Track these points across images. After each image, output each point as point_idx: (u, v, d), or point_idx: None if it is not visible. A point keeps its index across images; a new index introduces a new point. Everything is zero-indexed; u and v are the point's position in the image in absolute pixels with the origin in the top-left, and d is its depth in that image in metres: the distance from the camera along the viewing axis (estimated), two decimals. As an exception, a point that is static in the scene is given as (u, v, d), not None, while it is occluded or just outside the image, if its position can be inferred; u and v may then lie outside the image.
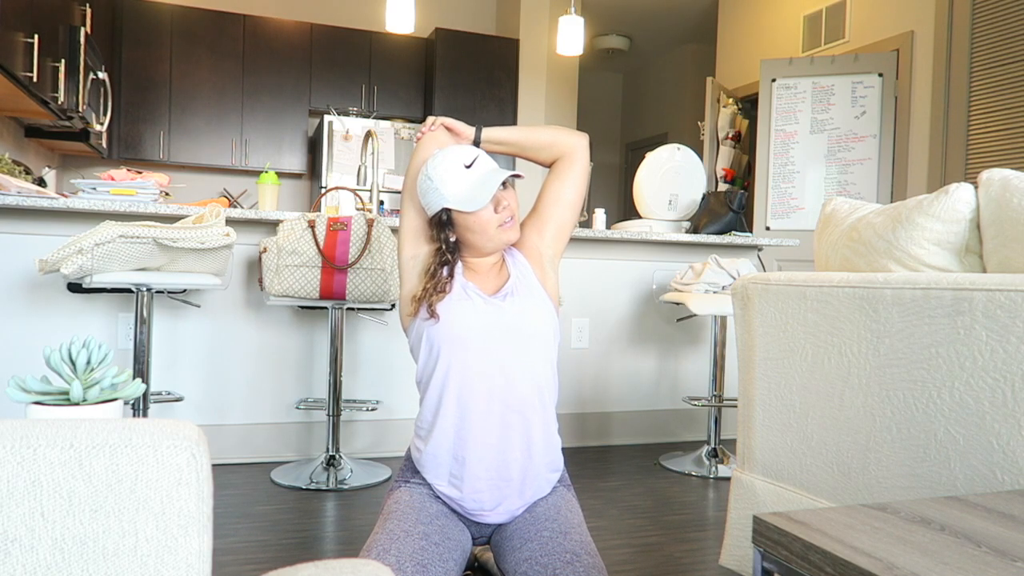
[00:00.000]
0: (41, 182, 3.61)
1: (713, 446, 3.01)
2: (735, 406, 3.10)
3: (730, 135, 5.42)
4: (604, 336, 3.37)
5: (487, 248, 1.45)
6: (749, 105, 5.54)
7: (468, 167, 1.40)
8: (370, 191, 3.91)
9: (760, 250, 3.57)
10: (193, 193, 5.74)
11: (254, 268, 2.86)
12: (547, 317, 1.44)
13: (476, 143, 1.57)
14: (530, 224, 1.55)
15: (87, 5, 4.33)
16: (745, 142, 5.52)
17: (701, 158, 3.91)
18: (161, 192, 2.68)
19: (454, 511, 1.43)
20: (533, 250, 1.52)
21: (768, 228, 4.80)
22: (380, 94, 5.94)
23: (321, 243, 2.49)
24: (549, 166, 1.60)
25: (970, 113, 4.08)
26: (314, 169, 5.83)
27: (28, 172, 3.58)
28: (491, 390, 1.37)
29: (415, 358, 1.46)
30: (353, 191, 3.05)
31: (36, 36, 3.25)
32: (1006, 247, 1.34)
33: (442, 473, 1.41)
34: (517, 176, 1.40)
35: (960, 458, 1.23)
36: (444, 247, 1.46)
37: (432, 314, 1.39)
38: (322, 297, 2.49)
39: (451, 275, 1.44)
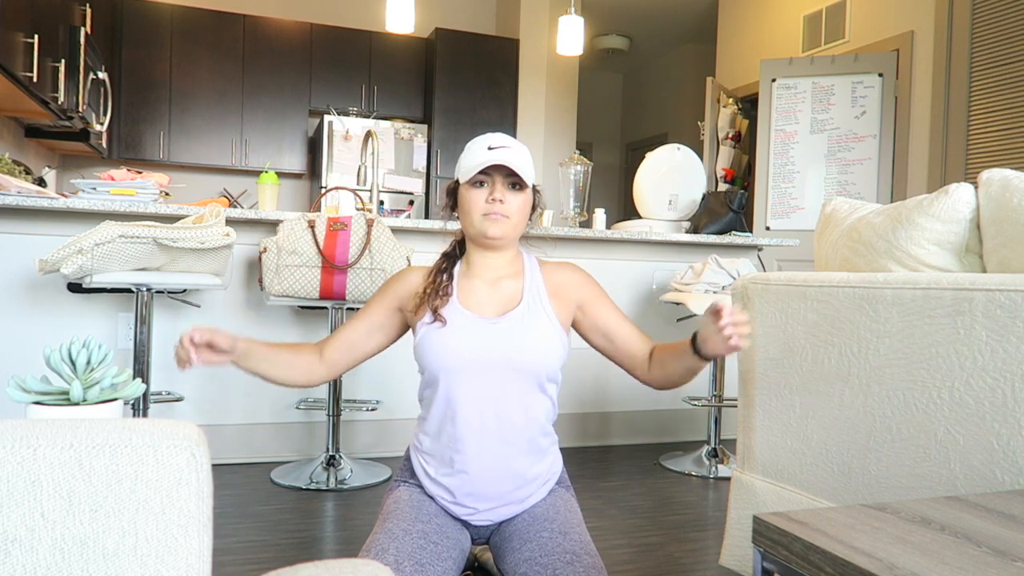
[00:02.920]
0: (41, 182, 3.61)
1: (713, 446, 3.01)
2: (735, 406, 3.11)
3: (730, 135, 5.42)
4: (604, 336, 3.37)
5: (470, 233, 1.40)
6: (749, 105, 5.54)
7: (490, 148, 1.36)
8: (370, 191, 3.91)
9: (760, 250, 3.57)
10: (193, 193, 5.74)
11: (254, 268, 2.86)
12: (552, 345, 1.38)
13: None
14: (592, 312, 1.45)
15: (87, 5, 4.33)
16: (745, 142, 5.52)
17: (701, 158, 3.91)
18: (161, 192, 2.68)
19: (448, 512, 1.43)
20: (566, 301, 1.43)
21: (768, 228, 4.80)
22: (380, 94, 5.94)
23: (321, 243, 2.49)
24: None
25: (970, 113, 4.08)
26: (314, 169, 5.83)
27: (28, 172, 3.59)
28: (483, 417, 1.34)
29: (418, 365, 1.45)
30: (353, 191, 3.05)
31: (36, 36, 3.25)
32: (1006, 247, 1.34)
33: (437, 480, 1.41)
34: (518, 179, 1.37)
35: (960, 458, 1.22)
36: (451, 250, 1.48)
37: (438, 318, 1.38)
38: (322, 297, 2.49)
39: (451, 279, 1.43)
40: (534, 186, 1.44)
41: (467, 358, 1.35)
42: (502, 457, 1.36)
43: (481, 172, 1.36)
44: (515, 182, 1.38)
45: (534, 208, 1.45)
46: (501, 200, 1.36)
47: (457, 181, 1.42)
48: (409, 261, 2.56)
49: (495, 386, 1.35)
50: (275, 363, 1.39)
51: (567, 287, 1.44)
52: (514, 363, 1.35)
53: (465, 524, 1.43)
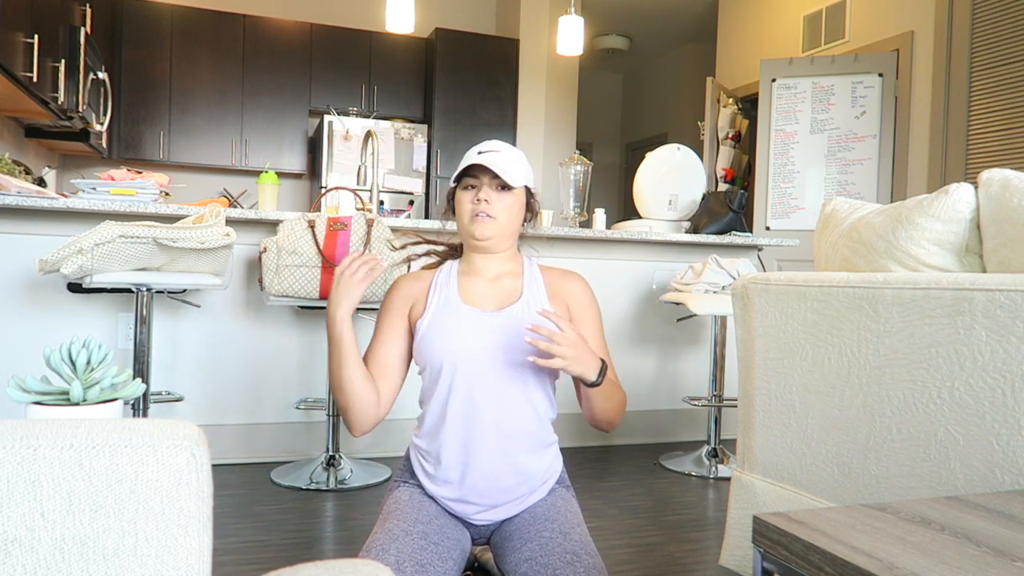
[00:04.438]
0: (41, 182, 3.61)
1: (713, 446, 3.01)
2: (735, 406, 3.10)
3: (730, 135, 5.42)
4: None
5: (463, 235, 1.44)
6: (749, 105, 5.54)
7: (480, 153, 1.41)
8: (370, 191, 3.91)
9: (760, 250, 3.57)
10: (193, 193, 5.74)
11: (254, 268, 2.86)
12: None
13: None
14: (578, 328, 1.45)
15: (87, 5, 4.33)
16: (745, 142, 5.52)
17: (701, 158, 3.92)
18: (161, 192, 2.68)
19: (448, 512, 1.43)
20: (563, 306, 1.45)
21: (768, 228, 4.80)
22: (380, 94, 5.94)
23: (321, 243, 2.49)
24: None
25: (970, 113, 4.08)
26: (314, 169, 5.83)
27: (28, 172, 3.59)
28: (484, 411, 1.35)
29: (418, 368, 1.45)
30: (353, 191, 3.05)
31: (36, 36, 3.25)
32: (1006, 247, 1.34)
33: (437, 478, 1.41)
34: (502, 182, 1.39)
35: (960, 458, 1.23)
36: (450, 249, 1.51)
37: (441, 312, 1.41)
38: (322, 297, 2.49)
39: (447, 277, 1.45)
40: (527, 188, 1.45)
41: (469, 350, 1.36)
42: (503, 453, 1.36)
43: (470, 176, 1.41)
44: (502, 184, 1.40)
45: (529, 209, 1.47)
46: (486, 200, 1.39)
47: (453, 189, 1.46)
48: (409, 261, 2.56)
49: (497, 379, 1.36)
50: (361, 371, 1.36)
51: (567, 293, 1.47)
52: (516, 356, 1.36)
53: (466, 524, 1.43)
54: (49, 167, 4.44)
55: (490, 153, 1.40)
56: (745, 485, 1.69)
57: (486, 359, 1.36)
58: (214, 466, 2.79)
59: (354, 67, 5.88)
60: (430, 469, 1.41)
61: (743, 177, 5.58)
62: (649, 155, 3.66)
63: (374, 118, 5.81)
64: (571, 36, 4.04)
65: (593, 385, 1.32)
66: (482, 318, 1.38)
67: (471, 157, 1.40)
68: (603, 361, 1.33)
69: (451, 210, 1.49)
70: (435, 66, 5.86)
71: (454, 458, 1.37)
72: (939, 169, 4.23)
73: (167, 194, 2.85)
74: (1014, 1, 3.85)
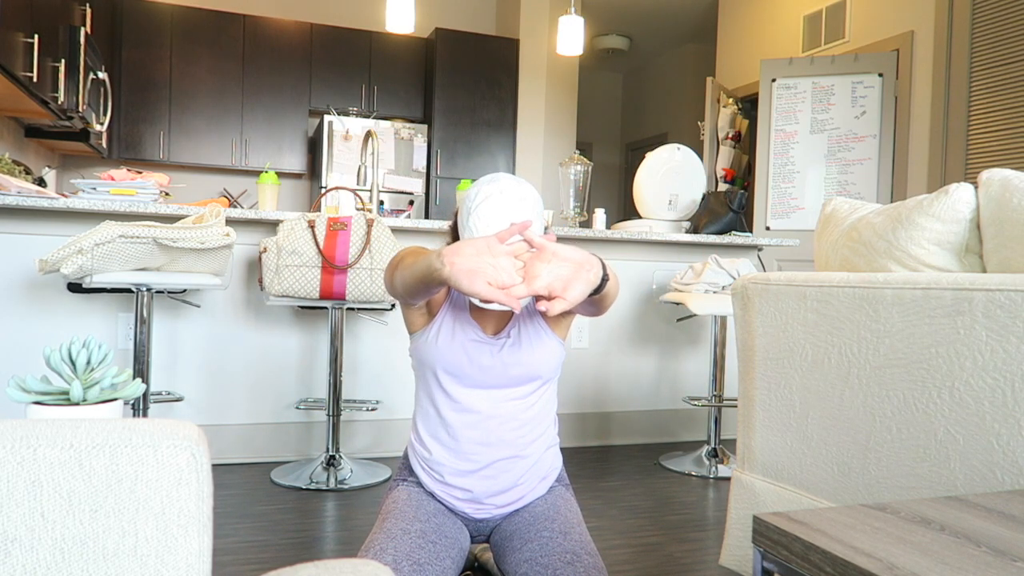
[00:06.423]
0: (41, 182, 3.61)
1: (713, 446, 3.01)
2: (735, 406, 3.10)
3: (730, 135, 5.42)
4: (604, 336, 3.37)
5: None
6: (749, 105, 5.54)
7: (497, 208, 1.28)
8: (370, 191, 3.91)
9: (760, 250, 3.57)
10: (193, 193, 5.74)
11: (254, 268, 2.86)
12: (549, 359, 1.40)
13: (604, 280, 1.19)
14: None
15: (87, 5, 4.33)
16: (745, 142, 5.52)
17: (701, 158, 3.92)
18: (161, 192, 2.68)
19: (449, 508, 1.43)
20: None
21: (768, 228, 4.80)
22: (380, 94, 5.94)
23: (321, 243, 2.49)
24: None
25: (970, 113, 4.08)
26: (314, 169, 5.83)
27: (28, 172, 3.58)
28: (485, 430, 1.36)
29: (415, 373, 1.46)
30: (353, 191, 3.05)
31: (36, 36, 3.25)
32: (1006, 247, 1.34)
33: (436, 479, 1.42)
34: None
35: (960, 458, 1.22)
36: None
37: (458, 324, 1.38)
38: (322, 297, 2.49)
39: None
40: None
41: (468, 369, 1.37)
42: (501, 458, 1.37)
43: None
44: None
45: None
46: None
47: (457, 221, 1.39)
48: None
49: (495, 392, 1.37)
50: None
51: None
52: (513, 376, 1.37)
53: (465, 522, 1.43)
54: (49, 167, 4.44)
55: (512, 212, 1.28)
56: (745, 485, 1.69)
57: (485, 377, 1.37)
58: (214, 466, 2.79)
59: (354, 67, 5.88)
60: (428, 470, 1.42)
61: (743, 177, 5.58)
62: (649, 155, 3.66)
63: (374, 118, 5.81)
64: (571, 36, 4.04)
65: (601, 287, 1.16)
66: (483, 338, 1.39)
67: (491, 218, 1.28)
68: (597, 258, 1.18)
69: (455, 238, 1.45)
70: (435, 66, 5.86)
71: (451, 461, 1.37)
72: (939, 169, 4.23)
73: (167, 194, 2.85)
74: (1014, 1, 3.85)
